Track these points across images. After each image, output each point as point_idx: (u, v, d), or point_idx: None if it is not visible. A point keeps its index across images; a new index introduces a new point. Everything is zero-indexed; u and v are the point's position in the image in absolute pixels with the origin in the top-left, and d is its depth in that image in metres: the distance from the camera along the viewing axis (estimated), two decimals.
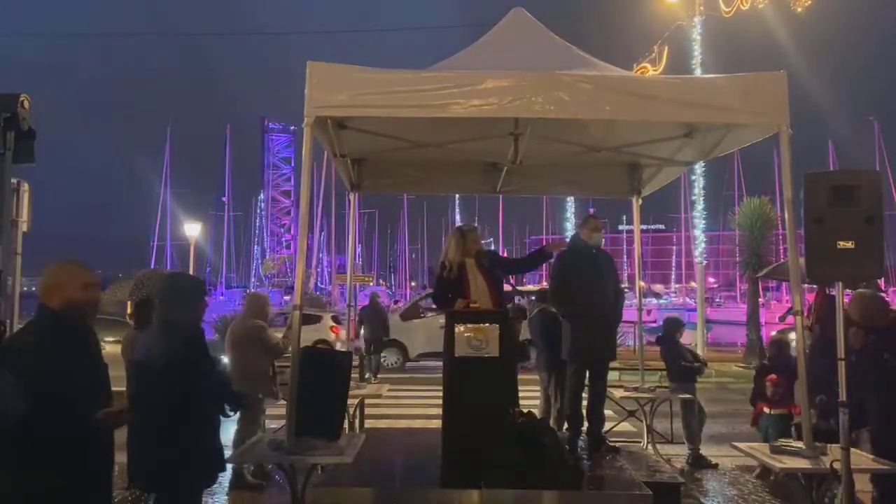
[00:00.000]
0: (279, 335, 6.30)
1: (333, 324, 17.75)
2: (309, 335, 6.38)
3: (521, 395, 5.28)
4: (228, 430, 5.49)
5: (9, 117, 3.81)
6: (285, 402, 4.58)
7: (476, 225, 5.96)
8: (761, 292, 27.12)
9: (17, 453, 2.56)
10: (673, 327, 7.93)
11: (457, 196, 54.14)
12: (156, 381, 3.19)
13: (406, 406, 10.49)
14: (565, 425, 6.04)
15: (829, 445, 4.20)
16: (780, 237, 18.85)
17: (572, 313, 5.82)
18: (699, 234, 18.27)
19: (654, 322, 22.20)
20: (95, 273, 2.90)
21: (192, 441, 3.25)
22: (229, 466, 5.05)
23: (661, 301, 53.46)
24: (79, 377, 2.71)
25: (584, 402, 5.89)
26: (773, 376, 6.78)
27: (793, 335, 7.12)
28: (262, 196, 78.16)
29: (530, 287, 18.56)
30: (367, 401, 7.20)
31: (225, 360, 6.33)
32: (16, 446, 2.54)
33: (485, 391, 4.71)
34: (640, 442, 7.16)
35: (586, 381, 5.87)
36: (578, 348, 5.74)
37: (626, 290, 7.97)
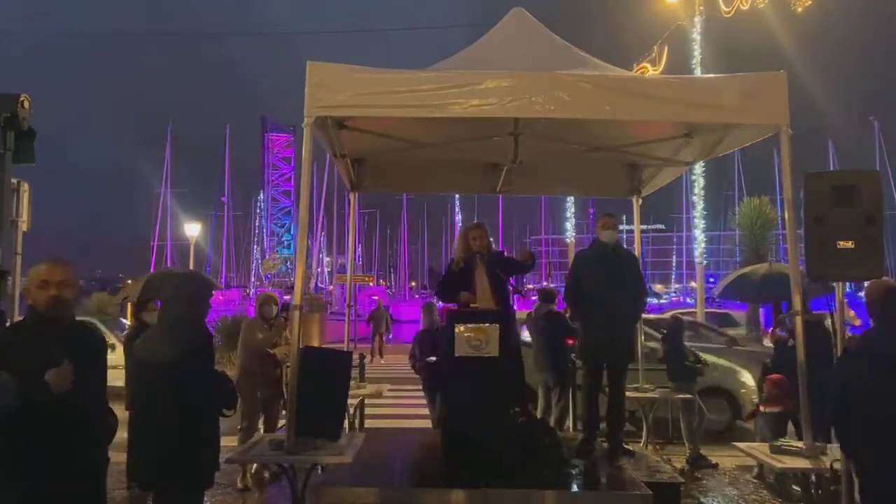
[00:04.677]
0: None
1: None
2: None
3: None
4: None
5: (9, 117, 3.81)
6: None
7: (480, 222, 5.93)
8: None
9: None
10: (677, 328, 7.91)
11: (457, 196, 54.40)
12: (162, 379, 3.17)
13: (406, 406, 10.47)
14: (568, 425, 6.00)
15: (828, 445, 4.20)
16: (780, 237, 18.85)
17: (585, 315, 5.68)
18: (699, 234, 18.28)
19: None
20: (65, 270, 2.82)
21: (194, 440, 3.23)
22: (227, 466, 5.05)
23: (663, 301, 53.39)
24: (36, 375, 2.62)
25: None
26: (775, 376, 6.77)
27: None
28: (262, 196, 78.21)
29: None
30: (367, 401, 7.21)
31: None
32: None
33: (485, 391, 4.71)
34: (640, 442, 7.16)
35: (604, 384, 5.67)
36: (590, 350, 5.62)
37: None
